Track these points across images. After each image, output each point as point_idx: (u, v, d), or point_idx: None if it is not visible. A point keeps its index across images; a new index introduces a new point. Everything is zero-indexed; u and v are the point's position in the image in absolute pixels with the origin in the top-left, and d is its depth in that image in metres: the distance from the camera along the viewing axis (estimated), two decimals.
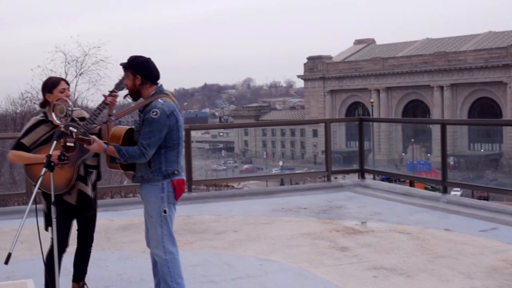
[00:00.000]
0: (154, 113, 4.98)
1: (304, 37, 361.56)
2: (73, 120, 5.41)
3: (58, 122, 5.16)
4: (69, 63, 30.30)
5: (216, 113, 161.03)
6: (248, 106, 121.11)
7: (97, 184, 5.87)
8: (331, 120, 16.90)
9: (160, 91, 5.20)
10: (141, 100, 5.23)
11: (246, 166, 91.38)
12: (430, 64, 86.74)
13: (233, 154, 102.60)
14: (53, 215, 5.08)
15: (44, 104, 5.69)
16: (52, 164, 4.92)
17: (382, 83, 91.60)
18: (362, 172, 12.56)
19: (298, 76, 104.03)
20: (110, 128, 5.45)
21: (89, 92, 30.75)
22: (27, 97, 28.47)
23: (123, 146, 5.08)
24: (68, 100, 5.21)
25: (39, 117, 5.63)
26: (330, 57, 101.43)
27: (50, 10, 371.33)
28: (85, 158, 5.53)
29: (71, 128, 5.02)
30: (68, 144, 5.07)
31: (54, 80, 5.66)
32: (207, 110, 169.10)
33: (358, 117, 14.07)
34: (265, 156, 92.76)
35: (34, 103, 28.61)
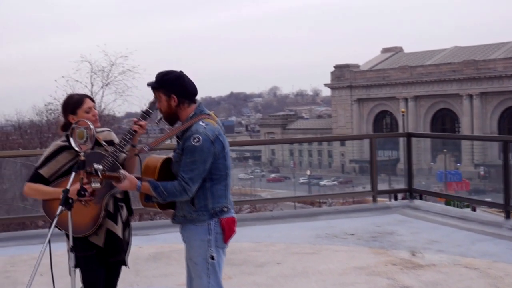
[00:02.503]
0: (195, 140, 4.17)
1: (331, 46, 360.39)
2: (98, 144, 4.67)
3: (77, 149, 4.31)
4: (95, 73, 29.54)
5: (243, 122, 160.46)
6: (275, 115, 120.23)
7: (130, 221, 5.00)
8: (376, 135, 15.81)
9: (201, 112, 4.38)
10: (178, 124, 4.47)
11: (273, 175, 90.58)
12: (459, 73, 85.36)
13: (260, 163, 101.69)
14: (72, 263, 4.31)
15: (66, 126, 4.81)
16: (70, 201, 4.17)
17: (410, 91, 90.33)
18: (410, 192, 11.56)
19: (325, 85, 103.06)
20: (133, 162, 4.67)
21: (115, 103, 29.96)
22: (50, 109, 27.69)
23: (159, 181, 4.24)
24: (89, 123, 4.35)
25: (60, 142, 4.79)
26: (357, 66, 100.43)
27: (77, 20, 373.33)
28: (114, 192, 4.69)
29: (95, 165, 4.10)
30: (93, 185, 4.10)
31: (77, 98, 4.81)
32: (233, 118, 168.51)
33: (405, 132, 13.04)
34: (292, 165, 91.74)
35: (58, 116, 27.85)
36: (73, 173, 4.25)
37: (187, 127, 4.29)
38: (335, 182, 78.82)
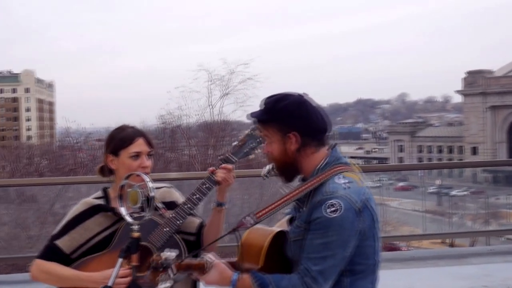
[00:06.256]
0: (332, 209, 2.57)
1: (463, 51, 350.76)
2: (154, 208, 3.03)
3: (129, 219, 2.70)
4: (213, 82, 28.44)
5: (370, 129, 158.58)
6: (403, 122, 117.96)
7: None
8: None
9: (337, 160, 2.77)
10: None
11: (401, 183, 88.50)
12: None
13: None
14: None
15: (103, 170, 3.31)
16: None
17: None
18: None
19: (457, 91, 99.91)
20: (217, 229, 3.19)
21: (235, 114, 28.77)
22: (163, 123, 26.88)
23: (267, 271, 2.69)
24: (146, 178, 2.72)
25: (92, 199, 3.28)
26: (491, 72, 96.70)
27: (197, 28, 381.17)
28: (175, 280, 3.02)
29: (167, 253, 2.56)
30: (163, 285, 2.53)
31: (127, 134, 3.24)
32: (360, 125, 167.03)
33: None
34: (421, 174, 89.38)
35: (172, 129, 26.97)
36: (120, 260, 2.68)
37: (316, 185, 2.68)
38: (466, 192, 75.98)
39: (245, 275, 2.64)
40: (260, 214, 2.67)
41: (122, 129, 3.26)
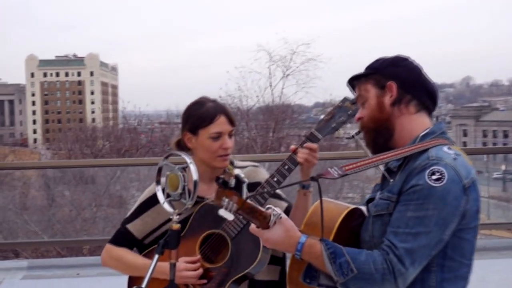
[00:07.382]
0: (435, 176, 2.11)
1: None
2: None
3: (167, 208, 2.34)
4: (274, 62, 27.40)
5: (433, 113, 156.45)
6: (467, 106, 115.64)
7: None
8: None
9: (443, 133, 2.33)
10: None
11: None
12: None
13: None
14: None
15: (180, 145, 2.95)
16: None
17: None
18: None
19: None
20: (303, 207, 2.77)
21: (296, 96, 27.97)
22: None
23: (340, 244, 2.19)
24: (188, 159, 2.35)
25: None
26: None
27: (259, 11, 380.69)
28: (248, 274, 2.74)
29: (238, 172, 2.31)
30: (224, 213, 2.08)
31: (208, 110, 2.86)
32: None
33: None
34: (485, 159, 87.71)
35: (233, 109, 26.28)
36: (157, 256, 2.29)
37: (417, 150, 2.23)
38: None
39: (313, 240, 2.17)
40: (348, 167, 2.22)
41: (201, 104, 2.90)
